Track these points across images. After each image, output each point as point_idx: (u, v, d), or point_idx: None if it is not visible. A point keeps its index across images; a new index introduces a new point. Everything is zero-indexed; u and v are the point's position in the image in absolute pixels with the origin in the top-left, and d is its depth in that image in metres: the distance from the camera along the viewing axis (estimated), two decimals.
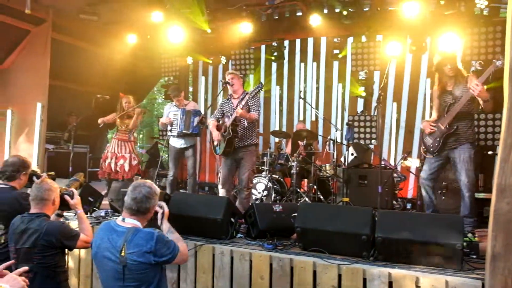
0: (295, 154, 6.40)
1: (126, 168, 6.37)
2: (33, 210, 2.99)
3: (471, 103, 4.28)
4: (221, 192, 5.14)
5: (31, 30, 7.41)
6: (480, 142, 6.21)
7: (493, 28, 6.14)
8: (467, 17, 6.38)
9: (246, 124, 4.97)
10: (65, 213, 4.65)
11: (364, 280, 3.09)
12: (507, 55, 2.67)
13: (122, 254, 2.44)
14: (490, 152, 6.40)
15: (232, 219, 3.94)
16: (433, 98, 4.50)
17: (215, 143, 5.10)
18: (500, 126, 6.18)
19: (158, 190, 2.73)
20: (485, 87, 4.09)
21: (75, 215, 3.67)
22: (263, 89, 4.96)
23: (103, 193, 5.61)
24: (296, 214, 3.73)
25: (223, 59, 8.74)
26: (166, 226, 2.85)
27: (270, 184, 6.20)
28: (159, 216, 2.81)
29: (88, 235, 3.06)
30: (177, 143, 6.01)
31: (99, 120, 6.56)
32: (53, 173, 3.84)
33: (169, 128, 6.02)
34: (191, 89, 10.41)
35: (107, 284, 2.59)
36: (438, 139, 4.26)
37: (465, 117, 4.27)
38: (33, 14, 6.34)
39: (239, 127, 4.94)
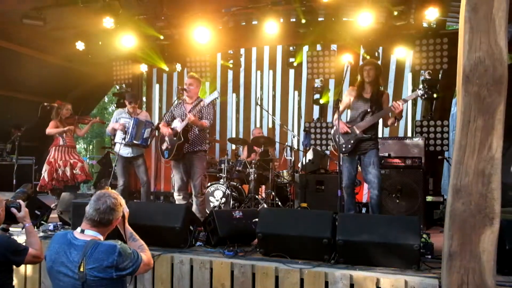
0: (253, 161, 6.37)
1: (83, 172, 6.35)
2: None
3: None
4: (177, 199, 5.02)
5: None
6: (430, 148, 6.51)
7: (441, 39, 6.49)
8: (416, 29, 6.70)
9: (197, 131, 4.90)
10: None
11: (326, 283, 3.09)
12: (459, 62, 2.78)
13: (81, 269, 2.25)
14: (439, 157, 6.71)
15: (191, 227, 3.83)
16: (346, 94, 4.74)
17: (164, 146, 4.97)
18: (447, 132, 6.52)
19: (123, 201, 2.55)
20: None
21: (22, 229, 3.42)
22: (218, 96, 4.89)
23: (52, 206, 5.31)
24: (256, 219, 3.68)
25: (179, 67, 8.62)
26: (128, 231, 2.64)
27: (228, 191, 6.12)
28: (120, 219, 2.58)
29: (37, 249, 2.82)
30: (125, 151, 5.81)
31: (49, 131, 6.34)
32: None
33: (119, 134, 5.80)
34: (144, 98, 10.15)
35: None
36: (352, 141, 4.50)
37: (375, 127, 4.61)
38: None
39: (190, 133, 4.85)
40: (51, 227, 4.56)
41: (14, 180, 6.15)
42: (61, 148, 6.33)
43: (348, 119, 4.76)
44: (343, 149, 4.54)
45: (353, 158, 4.57)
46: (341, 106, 4.69)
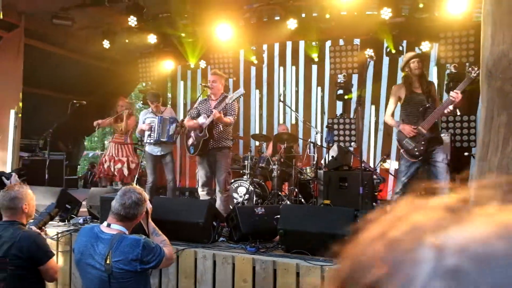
0: (275, 157, 6.40)
1: (125, 172, 6.37)
2: (4, 218, 2.87)
3: None
4: (201, 194, 5.10)
5: (3, 36, 7.23)
6: (456, 144, 6.37)
7: (467, 32, 6.32)
8: (442, 21, 6.55)
9: (222, 128, 4.95)
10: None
11: None
12: (482, 56, 2.72)
13: (108, 262, 2.36)
14: (466, 153, 6.56)
15: (214, 223, 3.89)
16: (393, 94, 4.52)
17: (190, 142, 5.05)
18: (474, 127, 6.36)
19: (147, 197, 2.65)
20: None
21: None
22: (243, 93, 4.93)
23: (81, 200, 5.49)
24: (278, 216, 3.71)
25: (202, 63, 8.71)
26: (151, 226, 2.75)
27: (251, 188, 6.17)
28: (144, 214, 2.69)
29: (57, 268, 2.96)
30: (154, 150, 5.94)
31: (94, 123, 6.52)
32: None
33: (146, 134, 5.94)
34: (169, 94, 10.32)
35: None
36: (423, 143, 4.25)
37: (437, 123, 4.42)
38: (5, 20, 6.18)
39: (215, 129, 4.91)
40: (80, 220, 4.72)
41: (46, 175, 6.36)
42: (111, 144, 6.65)
43: (402, 119, 4.49)
44: (416, 153, 4.27)
45: (419, 161, 4.32)
46: (390, 108, 4.48)
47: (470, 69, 4.19)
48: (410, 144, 4.30)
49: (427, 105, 4.28)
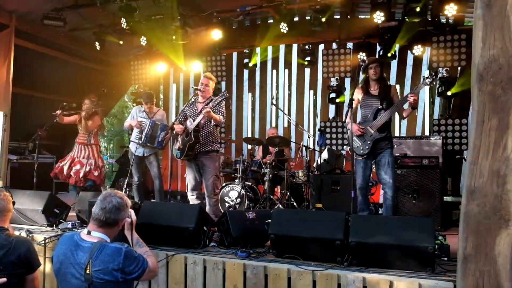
0: (268, 160, 6.37)
1: (81, 174, 6.13)
2: None
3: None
4: (191, 198, 5.08)
5: None
6: (448, 147, 6.39)
7: (459, 36, 6.36)
8: (434, 25, 6.58)
9: (210, 129, 4.94)
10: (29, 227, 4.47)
11: (339, 285, 3.07)
12: (473, 60, 2.72)
13: (87, 271, 2.27)
14: (457, 156, 6.58)
15: (205, 228, 3.85)
16: (354, 95, 4.63)
17: (176, 146, 5.02)
18: (466, 131, 6.39)
19: (129, 202, 2.58)
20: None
21: None
22: (227, 96, 4.93)
23: (71, 204, 5.42)
24: (269, 221, 3.68)
25: (195, 66, 8.67)
26: (135, 237, 2.65)
27: (243, 192, 6.13)
28: (126, 225, 2.61)
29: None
30: (138, 151, 5.90)
31: (56, 112, 6.16)
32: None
33: (135, 132, 5.89)
34: (162, 97, 10.27)
35: None
36: (369, 142, 4.43)
37: (389, 125, 4.52)
38: None
39: (201, 133, 4.90)
40: (69, 225, 4.66)
41: (35, 179, 6.26)
42: (75, 145, 6.40)
43: (360, 120, 4.68)
44: (361, 152, 4.46)
45: (368, 158, 4.51)
46: (347, 109, 4.60)
47: (428, 75, 4.40)
48: (356, 142, 4.48)
49: (379, 107, 4.45)
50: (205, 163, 4.94)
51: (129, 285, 2.46)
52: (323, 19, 6.71)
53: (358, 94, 4.62)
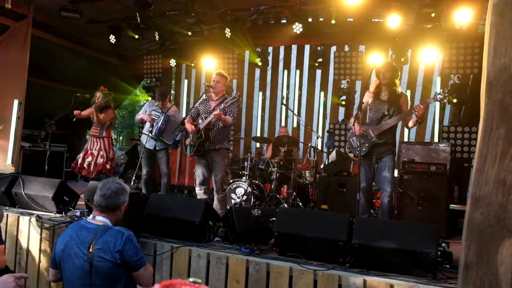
0: (275, 159, 6.40)
1: (92, 166, 6.17)
2: None
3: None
4: (199, 193, 5.13)
5: (11, 26, 7.25)
6: (457, 155, 6.36)
7: (472, 43, 6.32)
8: (447, 32, 6.56)
9: (220, 129, 4.98)
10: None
11: (340, 286, 3.09)
12: (484, 68, 2.73)
13: (90, 250, 2.42)
14: (466, 165, 6.56)
15: (210, 222, 3.90)
16: (365, 97, 4.65)
17: (187, 141, 5.08)
18: (475, 139, 6.36)
19: (127, 187, 2.73)
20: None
21: None
22: (238, 99, 4.98)
23: (80, 193, 5.51)
24: (274, 219, 3.72)
25: (207, 63, 8.73)
26: None
27: (249, 189, 6.18)
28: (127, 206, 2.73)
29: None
30: (150, 143, 5.97)
31: (75, 112, 6.24)
32: None
33: (147, 125, 5.96)
34: (173, 92, 10.36)
35: (71, 283, 2.51)
36: (367, 145, 4.45)
37: (391, 131, 4.52)
38: (13, 9, 6.21)
39: (212, 131, 4.95)
40: (78, 213, 4.74)
41: (46, 166, 6.36)
42: (89, 137, 6.49)
43: (367, 122, 4.67)
44: (357, 152, 4.48)
45: (370, 161, 4.52)
46: (355, 111, 4.65)
47: (440, 91, 4.37)
48: (355, 142, 4.49)
49: (386, 113, 4.45)
50: (215, 159, 4.99)
51: (126, 273, 2.53)
52: (337, 21, 6.73)
53: (368, 97, 4.63)
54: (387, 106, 4.48)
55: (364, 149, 4.46)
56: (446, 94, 4.32)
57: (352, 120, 4.53)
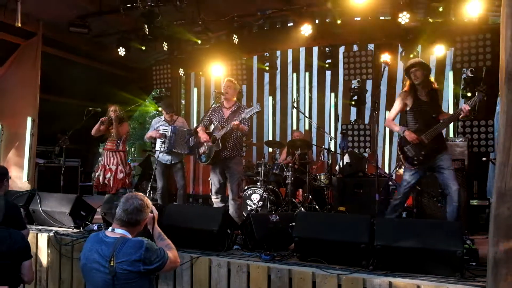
0: (289, 163, 6.36)
1: (111, 182, 6.05)
2: None
3: None
4: (215, 201, 5.09)
5: (21, 44, 7.35)
6: (474, 149, 6.25)
7: (483, 35, 6.22)
8: (457, 25, 6.46)
9: (237, 136, 4.95)
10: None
11: None
12: (501, 59, 2.66)
13: (111, 263, 2.42)
14: (484, 159, 6.43)
15: (229, 230, 3.87)
16: (400, 100, 4.39)
17: (201, 150, 5.05)
18: (492, 132, 6.24)
19: (150, 203, 2.72)
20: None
21: None
22: (259, 110, 4.87)
23: (96, 207, 5.51)
24: (293, 224, 3.67)
25: (216, 70, 8.73)
26: (156, 231, 2.82)
27: (265, 195, 6.14)
28: (148, 220, 2.75)
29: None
30: (164, 158, 5.98)
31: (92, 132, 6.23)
32: None
33: (159, 142, 5.96)
34: (183, 101, 10.38)
35: None
36: (423, 153, 4.18)
37: (441, 134, 4.32)
38: (23, 28, 6.28)
39: (228, 140, 4.90)
40: (95, 227, 4.74)
41: (62, 182, 6.41)
42: (103, 152, 6.37)
43: (407, 126, 4.37)
44: (415, 162, 4.21)
45: (419, 168, 4.26)
46: (393, 113, 4.41)
47: (478, 88, 4.25)
48: (410, 151, 4.23)
49: (434, 116, 4.23)
50: (231, 167, 4.96)
51: (150, 278, 2.56)
52: (344, 21, 6.67)
53: (405, 100, 4.33)
54: (430, 107, 4.23)
55: (421, 158, 4.17)
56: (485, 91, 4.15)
57: (393, 125, 4.33)
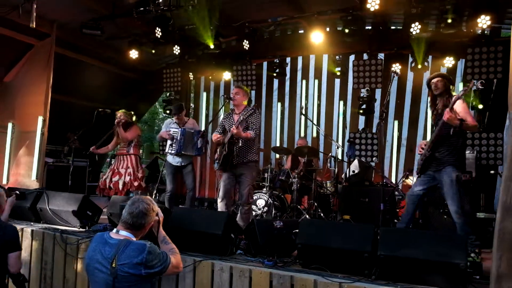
0: (295, 170, 6.37)
1: (120, 185, 6.06)
2: None
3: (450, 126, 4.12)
4: (220, 205, 5.08)
5: (35, 44, 7.47)
6: (482, 162, 6.21)
7: (495, 47, 6.19)
8: (468, 37, 6.45)
9: (244, 142, 4.92)
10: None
11: None
12: (511, 75, 2.66)
13: (113, 265, 2.44)
14: (492, 172, 6.38)
15: (232, 235, 3.88)
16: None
17: (216, 156, 5.08)
18: (501, 145, 6.19)
19: (156, 207, 2.73)
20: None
21: None
22: (259, 108, 4.93)
23: (103, 207, 5.56)
24: (297, 230, 3.67)
25: (225, 75, 8.79)
26: (161, 235, 2.84)
27: (270, 201, 6.15)
28: (154, 223, 2.76)
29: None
30: (174, 160, 6.00)
31: (91, 149, 6.33)
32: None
33: (168, 143, 5.99)
34: (192, 105, 10.44)
35: None
36: (420, 161, 4.26)
37: (443, 142, 4.15)
38: (37, 29, 6.38)
39: (236, 145, 4.89)
40: (101, 227, 4.78)
41: (70, 181, 6.47)
42: (116, 156, 6.43)
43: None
44: (417, 170, 4.31)
45: (426, 176, 4.28)
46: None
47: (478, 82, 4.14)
48: (419, 160, 4.33)
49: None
50: (243, 173, 4.92)
51: (151, 282, 2.58)
52: (355, 30, 6.67)
53: (432, 112, 4.44)
54: (438, 117, 4.24)
55: (419, 167, 4.24)
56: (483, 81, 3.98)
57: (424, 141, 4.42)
